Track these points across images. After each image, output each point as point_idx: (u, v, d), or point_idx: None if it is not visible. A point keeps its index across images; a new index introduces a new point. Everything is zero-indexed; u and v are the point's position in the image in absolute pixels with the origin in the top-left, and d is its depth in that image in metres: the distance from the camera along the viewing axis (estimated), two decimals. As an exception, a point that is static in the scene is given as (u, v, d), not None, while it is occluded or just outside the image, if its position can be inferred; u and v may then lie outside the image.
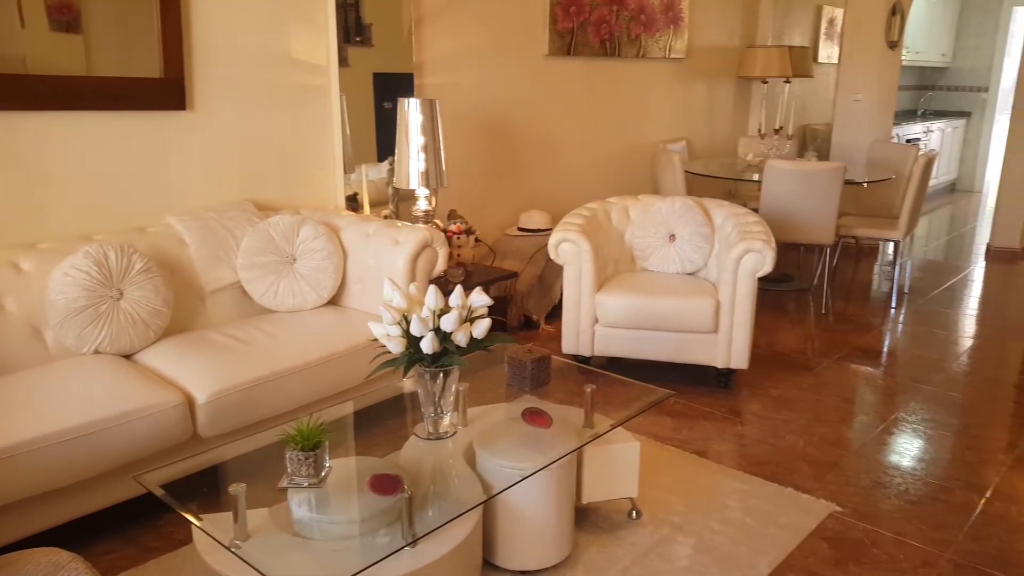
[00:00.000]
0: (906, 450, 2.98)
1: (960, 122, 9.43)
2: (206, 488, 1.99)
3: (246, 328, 2.78)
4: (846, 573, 2.25)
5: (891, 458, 2.92)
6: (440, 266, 3.09)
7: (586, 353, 3.48)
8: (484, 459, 2.08)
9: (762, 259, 3.27)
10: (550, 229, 4.32)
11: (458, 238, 3.65)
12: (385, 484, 1.88)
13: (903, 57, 6.38)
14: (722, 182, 5.58)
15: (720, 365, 3.41)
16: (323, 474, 1.93)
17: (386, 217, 3.67)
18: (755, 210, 4.36)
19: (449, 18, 3.94)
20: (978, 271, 5.74)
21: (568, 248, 3.44)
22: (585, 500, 2.38)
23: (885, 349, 4.08)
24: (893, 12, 5.78)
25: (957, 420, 3.25)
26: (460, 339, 2.04)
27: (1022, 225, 6.17)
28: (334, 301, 3.14)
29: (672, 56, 5.41)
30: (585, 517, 2.49)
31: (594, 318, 3.44)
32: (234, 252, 2.97)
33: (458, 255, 3.66)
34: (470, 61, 4.11)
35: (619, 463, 2.39)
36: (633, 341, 3.43)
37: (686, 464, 2.85)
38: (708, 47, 5.82)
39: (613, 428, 2.30)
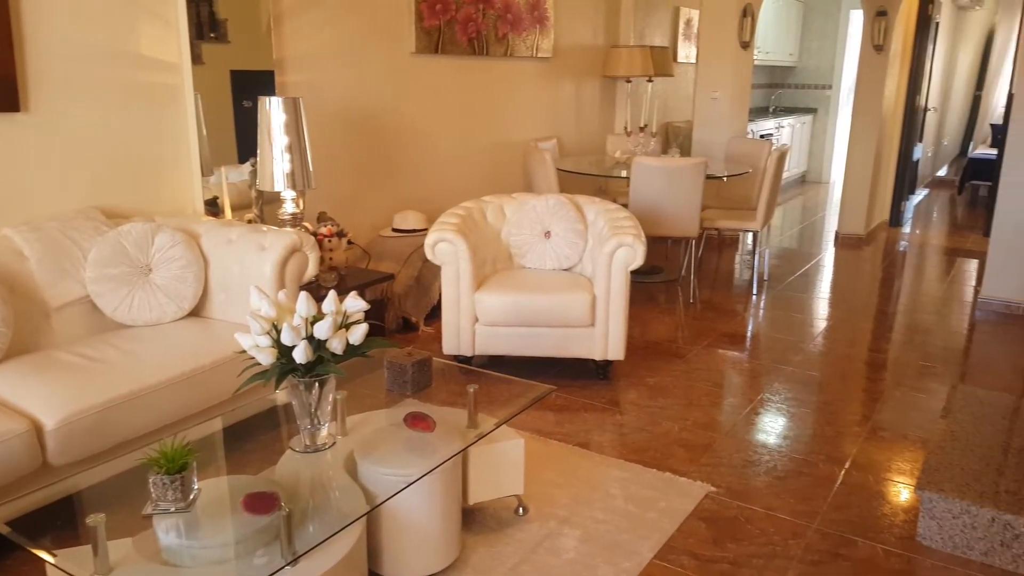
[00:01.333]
0: (772, 428, 3.14)
1: (808, 118, 10.10)
2: (60, 521, 1.82)
3: (98, 345, 2.57)
4: (723, 550, 2.34)
5: (759, 437, 3.07)
6: (311, 271, 2.98)
7: (467, 353, 3.46)
8: (366, 468, 2.02)
9: (633, 253, 3.35)
10: (425, 229, 4.27)
11: (329, 241, 3.54)
12: (260, 502, 1.78)
13: (755, 57, 6.75)
14: (592, 179, 5.71)
15: (598, 357, 3.47)
16: (192, 497, 1.81)
17: (250, 221, 3.51)
18: (625, 206, 4.47)
19: (310, 14, 3.82)
20: (828, 257, 6.16)
21: (445, 248, 3.40)
22: (472, 501, 2.36)
23: (749, 334, 4.29)
24: (744, 14, 6.10)
25: (816, 397, 3.46)
26: (336, 346, 1.96)
27: (866, 213, 6.67)
28: (196, 312, 2.97)
29: (539, 55, 5.48)
30: (472, 518, 2.47)
31: (474, 317, 3.42)
32: (81, 264, 2.75)
33: (330, 259, 3.55)
34: (335, 58, 3.99)
35: (504, 461, 2.39)
36: (514, 338, 3.44)
37: (570, 457, 2.88)
38: (574, 47, 5.94)
39: (497, 427, 2.29)
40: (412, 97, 4.53)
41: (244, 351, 1.99)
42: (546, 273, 3.66)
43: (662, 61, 6.35)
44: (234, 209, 3.53)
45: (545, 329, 3.42)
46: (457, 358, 3.52)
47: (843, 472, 2.82)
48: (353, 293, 2.06)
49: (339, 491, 1.97)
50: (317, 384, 2.00)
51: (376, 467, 2.01)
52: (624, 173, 4.90)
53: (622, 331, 3.42)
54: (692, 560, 2.29)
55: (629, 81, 6.60)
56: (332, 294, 2.01)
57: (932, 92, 8.41)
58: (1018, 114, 4.46)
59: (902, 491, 2.70)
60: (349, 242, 3.74)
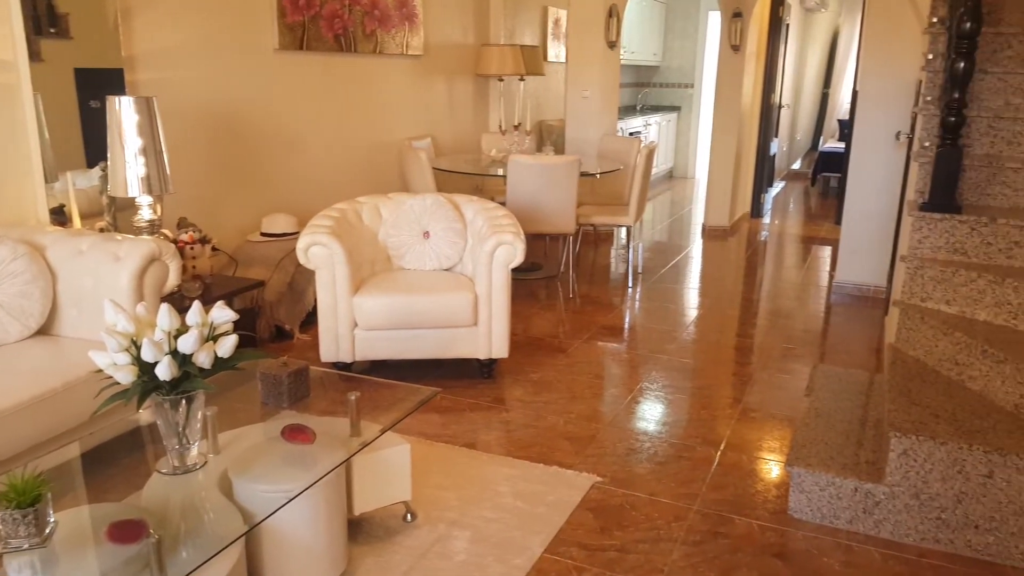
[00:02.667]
0: (652, 416, 3.24)
1: (672, 116, 10.51)
2: None
3: (-70, 373, 2.32)
4: (611, 538, 2.38)
5: (640, 425, 3.15)
6: (172, 281, 2.81)
7: (347, 359, 3.37)
8: (242, 486, 1.91)
9: (513, 251, 3.36)
10: (297, 233, 4.12)
11: (192, 248, 3.35)
12: (126, 531, 1.65)
13: (621, 57, 6.95)
14: (469, 178, 5.70)
15: (482, 356, 3.46)
16: (48, 531, 1.65)
17: (103, 230, 3.27)
18: (502, 204, 4.49)
19: (162, 8, 3.59)
20: (697, 248, 6.42)
21: (319, 251, 3.29)
22: (357, 511, 2.29)
23: (626, 326, 4.41)
24: (610, 15, 6.26)
25: (691, 383, 3.59)
26: (203, 360, 1.85)
27: (729, 205, 7.00)
28: (45, 330, 2.73)
29: (410, 53, 5.41)
30: (359, 528, 2.39)
31: (353, 322, 3.33)
32: (-94, 283, 2.47)
33: (193, 267, 3.36)
34: (192, 55, 3.78)
35: (390, 468, 2.33)
36: (395, 342, 3.37)
37: (457, 458, 2.85)
38: (444, 45, 5.90)
39: (381, 434, 2.23)
40: (278, 95, 4.36)
41: (101, 370, 1.84)
42: (426, 274, 3.61)
43: (533, 60, 6.42)
44: (84, 217, 3.28)
45: (427, 331, 3.37)
46: (336, 365, 3.42)
47: (719, 454, 2.93)
48: (220, 303, 1.95)
49: (213, 513, 1.85)
50: (184, 401, 1.88)
51: (253, 484, 1.91)
52: (501, 171, 4.92)
53: (505, 329, 3.43)
54: (581, 551, 2.32)
55: (501, 80, 6.64)
56: (197, 305, 1.89)
57: (785, 90, 8.95)
58: (862, 110, 4.80)
59: (773, 468, 2.83)
60: (214, 248, 3.56)
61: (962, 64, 2.84)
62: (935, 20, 3.32)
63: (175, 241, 3.31)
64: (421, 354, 3.41)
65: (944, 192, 2.97)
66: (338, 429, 2.23)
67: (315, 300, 3.61)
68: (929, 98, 3.27)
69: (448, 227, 3.66)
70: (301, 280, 3.97)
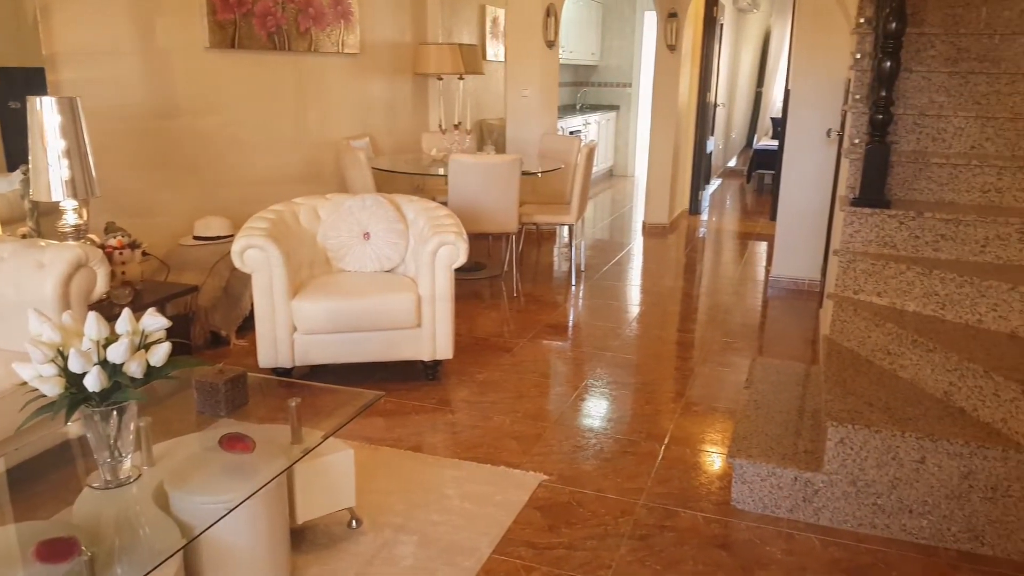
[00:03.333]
0: (597, 413, 3.25)
1: (611, 114, 10.62)
2: None
3: None
4: (559, 536, 2.39)
5: (586, 422, 3.17)
6: (101, 288, 2.70)
7: (286, 365, 3.29)
8: (179, 498, 1.85)
9: (456, 251, 3.34)
10: (231, 236, 4.01)
11: (120, 253, 3.23)
12: (56, 549, 1.58)
13: (560, 56, 6.98)
14: (409, 178, 5.65)
15: (427, 358, 3.43)
16: (-33, 556, 1.57)
17: (24, 236, 3.13)
18: (444, 203, 4.46)
19: (85, 4, 3.46)
20: (638, 246, 6.50)
21: (255, 254, 3.21)
22: (301, 520, 2.24)
23: (570, 323, 4.43)
24: (548, 14, 6.28)
25: (634, 379, 3.63)
26: (134, 369, 1.78)
27: (668, 203, 7.10)
28: (-35, 342, 2.60)
29: (346, 51, 5.33)
30: (302, 537, 2.34)
31: (292, 326, 3.26)
32: None
33: (123, 273, 3.25)
34: (118, 54, 3.65)
35: (333, 475, 2.28)
36: (336, 345, 3.31)
37: (402, 462, 2.82)
38: (381, 43, 5.83)
39: (324, 440, 2.18)
40: (210, 94, 4.24)
41: (25, 383, 1.75)
42: (367, 275, 3.56)
43: (471, 59, 6.40)
44: (5, 223, 3.13)
45: (370, 333, 3.32)
46: (275, 371, 3.34)
47: (663, 448, 2.97)
48: (151, 309, 1.88)
49: (149, 527, 1.79)
50: (115, 413, 1.81)
51: (190, 496, 1.84)
52: (441, 171, 4.88)
53: (449, 329, 3.40)
54: (529, 550, 2.32)
55: (440, 79, 6.59)
56: (127, 312, 1.82)
57: (720, 89, 9.13)
58: (794, 109, 4.92)
59: (716, 460, 2.88)
60: (144, 253, 3.44)
61: (888, 63, 2.93)
62: (862, 20, 3.42)
63: (102, 246, 3.19)
64: (364, 357, 3.36)
65: (873, 188, 3.06)
66: (279, 437, 2.18)
67: (252, 305, 3.52)
68: (858, 96, 3.37)
69: (389, 228, 3.61)
70: (237, 284, 3.87)
